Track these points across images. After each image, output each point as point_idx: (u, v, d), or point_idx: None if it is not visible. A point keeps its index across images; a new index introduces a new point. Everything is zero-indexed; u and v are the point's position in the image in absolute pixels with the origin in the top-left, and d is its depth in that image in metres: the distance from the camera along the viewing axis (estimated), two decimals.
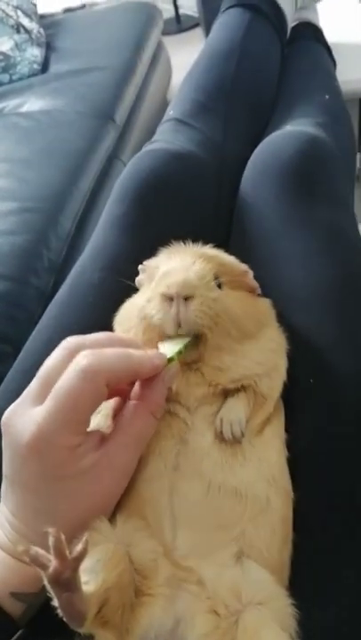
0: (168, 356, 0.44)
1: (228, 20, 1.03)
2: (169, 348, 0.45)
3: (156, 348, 0.45)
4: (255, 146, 0.79)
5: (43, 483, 0.40)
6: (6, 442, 0.41)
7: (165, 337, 0.46)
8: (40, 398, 0.41)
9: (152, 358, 0.43)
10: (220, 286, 0.47)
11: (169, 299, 0.44)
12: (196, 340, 0.46)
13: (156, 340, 0.46)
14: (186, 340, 0.45)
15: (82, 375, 0.39)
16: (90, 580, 0.35)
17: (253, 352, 0.48)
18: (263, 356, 0.48)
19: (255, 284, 0.52)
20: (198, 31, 2.79)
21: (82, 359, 0.40)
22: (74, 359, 0.41)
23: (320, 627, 0.42)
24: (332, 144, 0.74)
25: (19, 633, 0.41)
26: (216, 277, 0.47)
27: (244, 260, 0.53)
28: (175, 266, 0.47)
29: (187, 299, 0.44)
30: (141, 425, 0.43)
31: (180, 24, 3.05)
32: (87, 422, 0.41)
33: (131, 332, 0.49)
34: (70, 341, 0.43)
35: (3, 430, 0.42)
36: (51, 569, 0.31)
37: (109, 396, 0.46)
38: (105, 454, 0.42)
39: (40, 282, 1.10)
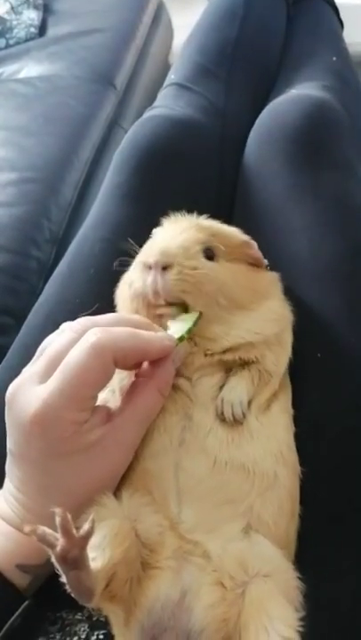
0: (177, 336, 0.44)
1: None
2: (178, 328, 0.45)
3: (161, 325, 0.46)
4: (259, 111, 0.78)
5: (47, 458, 0.40)
6: (11, 417, 0.42)
7: (172, 316, 0.46)
8: (46, 376, 0.41)
9: (162, 339, 0.43)
10: (212, 257, 0.47)
11: (148, 267, 0.45)
12: (184, 310, 0.46)
13: (140, 309, 0.47)
14: (195, 317, 0.45)
15: (90, 351, 0.39)
16: (97, 556, 0.35)
17: (247, 322, 0.47)
18: (258, 325, 0.47)
19: (259, 255, 0.51)
20: None
21: (91, 336, 0.40)
22: (83, 336, 0.41)
23: (325, 599, 0.43)
24: (340, 107, 0.73)
25: (25, 604, 0.42)
26: (208, 248, 0.47)
27: (248, 231, 0.52)
28: (161, 236, 0.48)
29: (165, 268, 0.45)
30: (149, 402, 0.43)
31: None
32: (94, 398, 0.42)
33: (123, 303, 0.50)
34: (80, 322, 0.43)
35: (7, 405, 0.42)
36: (58, 548, 0.32)
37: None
38: (111, 430, 0.42)
39: (41, 253, 1.09)
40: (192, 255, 0.46)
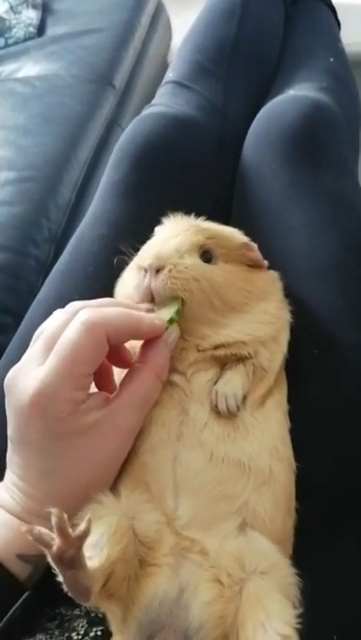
0: (167, 318, 0.44)
1: None
2: (165, 312, 0.45)
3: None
4: (257, 110, 0.78)
5: (47, 440, 0.41)
6: (10, 402, 0.42)
7: (158, 304, 0.46)
8: (43, 358, 0.42)
9: (152, 318, 0.44)
10: (210, 259, 0.48)
11: (144, 270, 0.46)
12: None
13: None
14: (179, 303, 0.45)
15: (82, 327, 0.40)
16: (94, 555, 0.35)
17: (239, 323, 0.47)
18: (250, 327, 0.47)
19: (258, 256, 0.51)
20: None
21: (82, 314, 0.41)
22: (75, 316, 0.42)
23: (322, 593, 0.43)
24: (337, 109, 0.73)
25: (25, 595, 0.42)
26: (206, 250, 0.48)
27: (246, 229, 0.52)
28: (157, 238, 0.48)
29: (158, 270, 0.45)
30: (146, 386, 0.44)
31: None
32: (90, 377, 0.42)
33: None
34: (73, 305, 0.44)
35: (6, 391, 0.42)
36: (54, 548, 0.31)
37: (113, 362, 0.46)
38: (110, 413, 0.42)
39: (40, 252, 1.09)
40: (184, 256, 0.46)
